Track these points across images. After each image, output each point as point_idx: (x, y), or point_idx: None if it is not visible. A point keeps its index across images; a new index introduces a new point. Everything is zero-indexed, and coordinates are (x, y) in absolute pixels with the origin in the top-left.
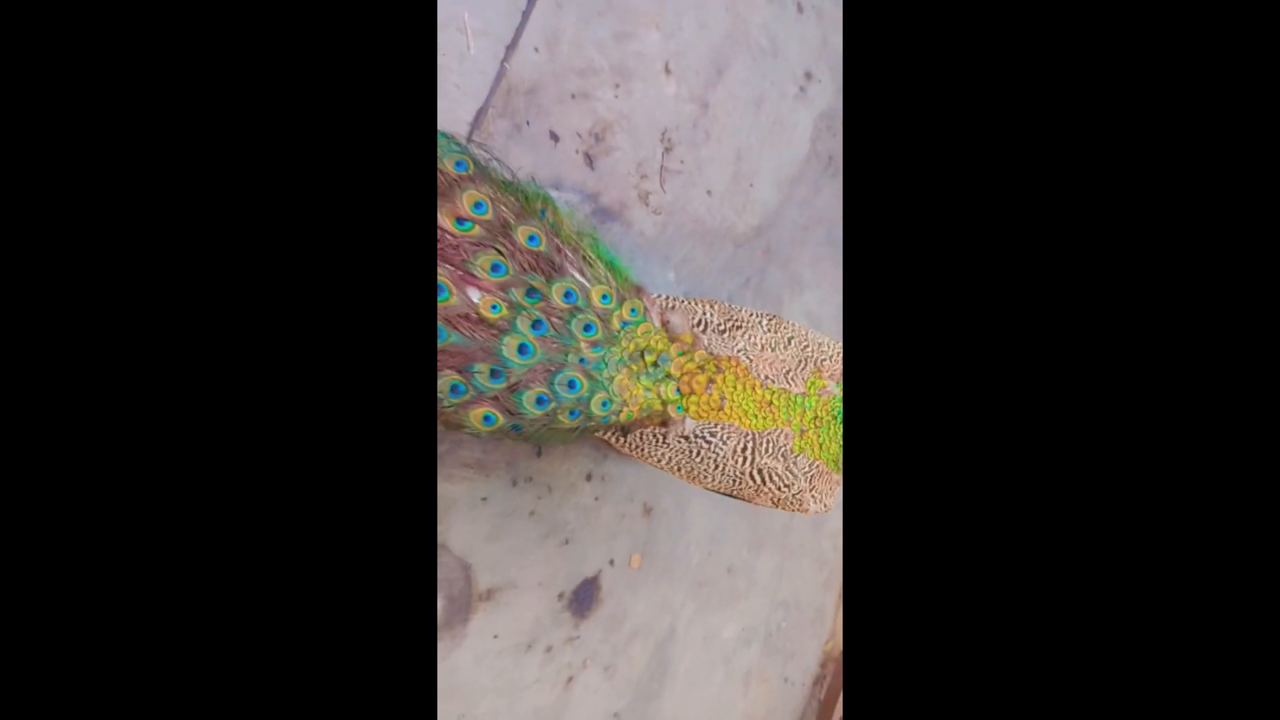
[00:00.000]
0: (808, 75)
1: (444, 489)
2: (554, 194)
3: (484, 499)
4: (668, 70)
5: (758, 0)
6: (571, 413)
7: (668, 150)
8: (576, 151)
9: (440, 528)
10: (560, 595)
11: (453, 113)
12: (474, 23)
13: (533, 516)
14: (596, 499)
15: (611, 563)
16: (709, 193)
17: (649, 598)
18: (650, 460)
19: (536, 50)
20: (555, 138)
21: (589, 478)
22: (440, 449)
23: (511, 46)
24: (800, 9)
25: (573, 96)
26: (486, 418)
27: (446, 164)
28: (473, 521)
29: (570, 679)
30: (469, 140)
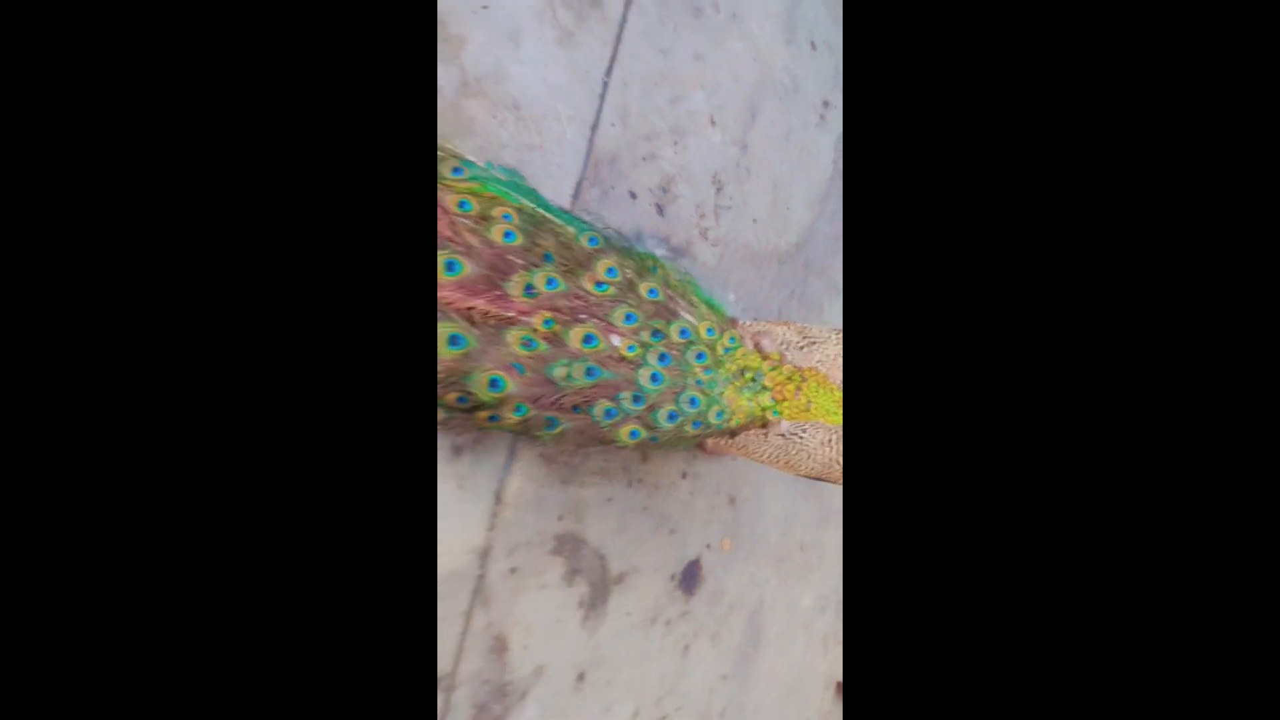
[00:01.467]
0: (825, 104)
1: (579, 494)
2: (647, 245)
3: (609, 499)
4: (712, 122)
5: (778, 46)
6: (694, 423)
7: (719, 190)
8: (650, 204)
9: (578, 526)
10: (672, 576)
11: (558, 188)
12: (566, 111)
13: (645, 511)
14: (691, 493)
15: (708, 546)
16: (754, 221)
17: (740, 575)
18: (755, 455)
19: (613, 125)
20: (633, 195)
21: (684, 475)
22: (573, 461)
23: (595, 125)
24: (814, 46)
25: (643, 159)
26: (632, 433)
27: (582, 241)
28: (603, 518)
29: (686, 648)
30: (571, 208)
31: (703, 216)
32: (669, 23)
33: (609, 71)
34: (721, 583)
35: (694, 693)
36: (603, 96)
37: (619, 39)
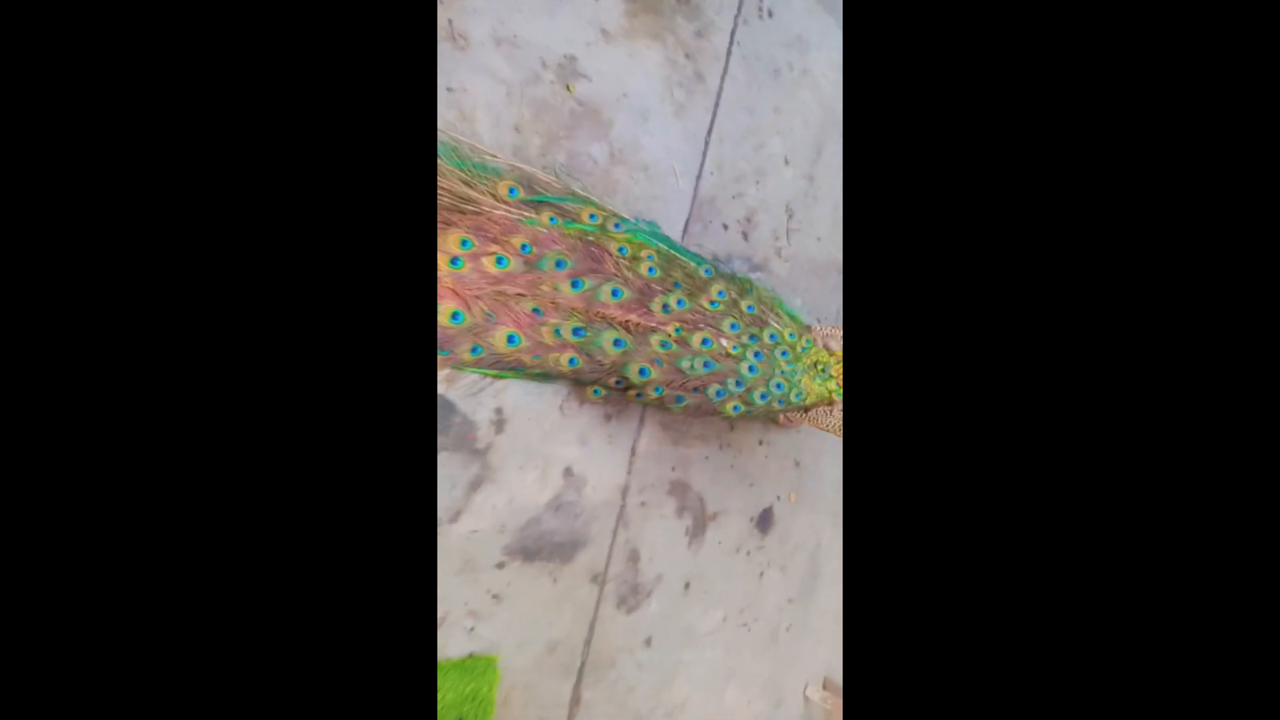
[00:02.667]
0: None
1: (686, 452)
2: (735, 265)
3: (707, 457)
4: (786, 161)
5: (838, 87)
6: (779, 401)
7: (790, 216)
8: (738, 233)
9: (685, 475)
10: (751, 519)
11: (674, 226)
12: (680, 167)
13: (732, 468)
14: (766, 457)
15: (778, 498)
16: (819, 239)
17: (803, 522)
18: (821, 425)
19: (711, 174)
20: (725, 227)
21: (761, 443)
22: (683, 428)
23: (699, 175)
24: None
25: (733, 197)
26: (735, 408)
27: (700, 272)
28: (702, 471)
29: (761, 574)
30: (683, 241)
31: (777, 239)
32: (754, 85)
33: (710, 132)
34: (788, 527)
35: (766, 610)
36: (705, 152)
37: (717, 105)
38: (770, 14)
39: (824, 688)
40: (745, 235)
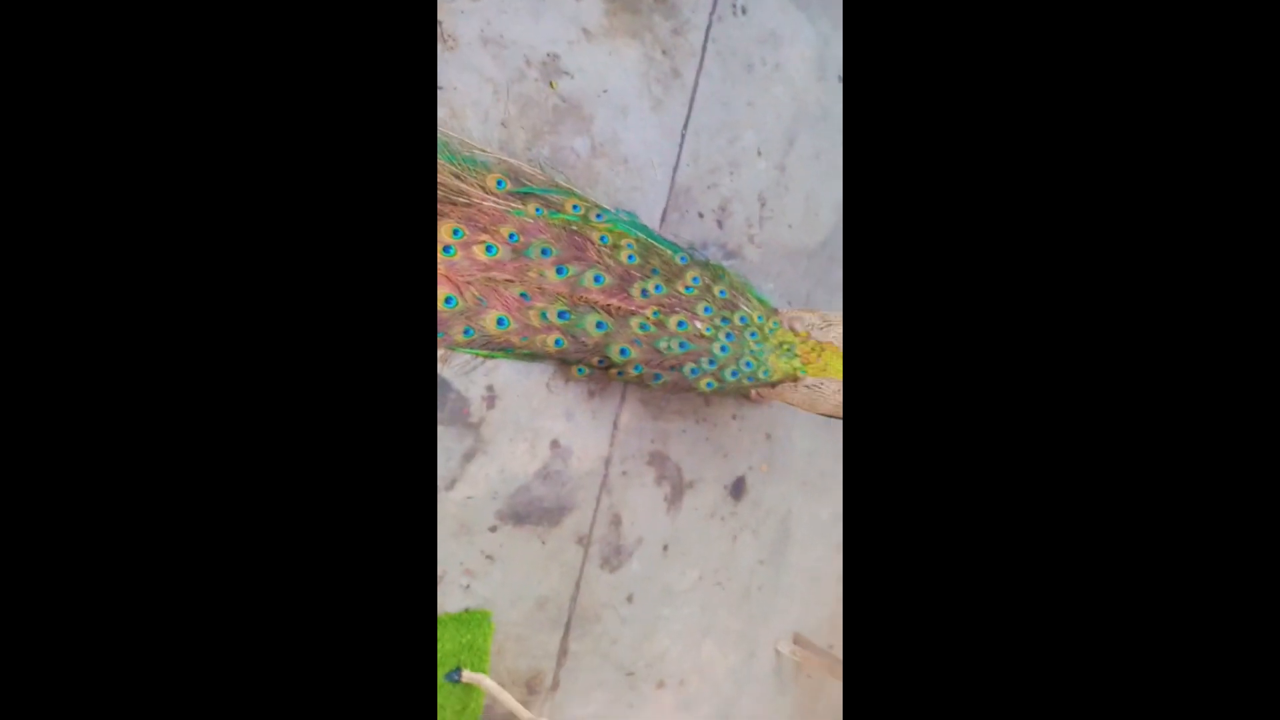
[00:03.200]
0: None
1: (664, 426)
2: (710, 252)
3: (683, 430)
4: (759, 153)
5: (811, 83)
6: (749, 378)
7: (763, 205)
8: (713, 221)
9: (663, 447)
10: (725, 486)
11: (652, 215)
12: (657, 160)
13: (707, 440)
14: (739, 430)
15: (750, 468)
16: (790, 226)
17: (774, 491)
18: (788, 400)
19: (688, 165)
20: (701, 215)
21: (734, 417)
22: (661, 403)
23: (676, 167)
24: (840, 80)
25: (708, 187)
26: (708, 384)
27: (676, 259)
28: (680, 443)
29: (734, 537)
30: (661, 230)
31: (750, 226)
32: (728, 80)
33: (685, 125)
34: (760, 494)
35: (740, 570)
36: (681, 145)
37: (693, 99)
38: (744, 11)
39: (794, 642)
40: (720, 223)
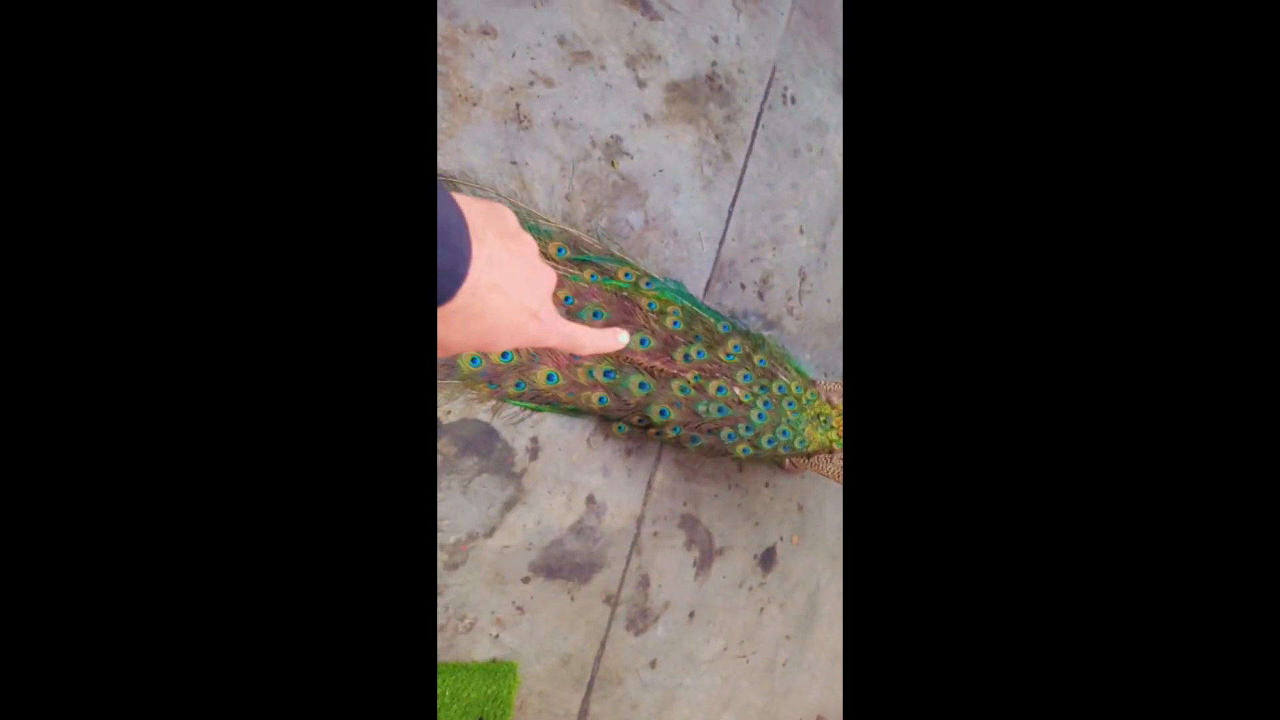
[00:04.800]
0: None
1: (697, 488)
2: (751, 322)
3: (716, 495)
4: (801, 231)
5: None
6: (784, 446)
7: (803, 279)
8: (754, 292)
9: (695, 510)
10: (755, 556)
11: (697, 284)
12: (705, 234)
13: (739, 507)
14: (771, 499)
15: (781, 539)
16: (828, 300)
17: (804, 563)
18: (822, 471)
19: (733, 240)
20: (743, 286)
21: (766, 485)
22: (695, 466)
23: (722, 241)
24: None
25: (751, 260)
26: (744, 450)
27: (719, 327)
28: (712, 508)
29: (761, 609)
30: (704, 298)
31: (790, 299)
32: (775, 164)
33: (733, 203)
34: (789, 566)
35: (765, 644)
36: (727, 221)
37: (741, 180)
38: (794, 100)
39: None
40: (761, 295)
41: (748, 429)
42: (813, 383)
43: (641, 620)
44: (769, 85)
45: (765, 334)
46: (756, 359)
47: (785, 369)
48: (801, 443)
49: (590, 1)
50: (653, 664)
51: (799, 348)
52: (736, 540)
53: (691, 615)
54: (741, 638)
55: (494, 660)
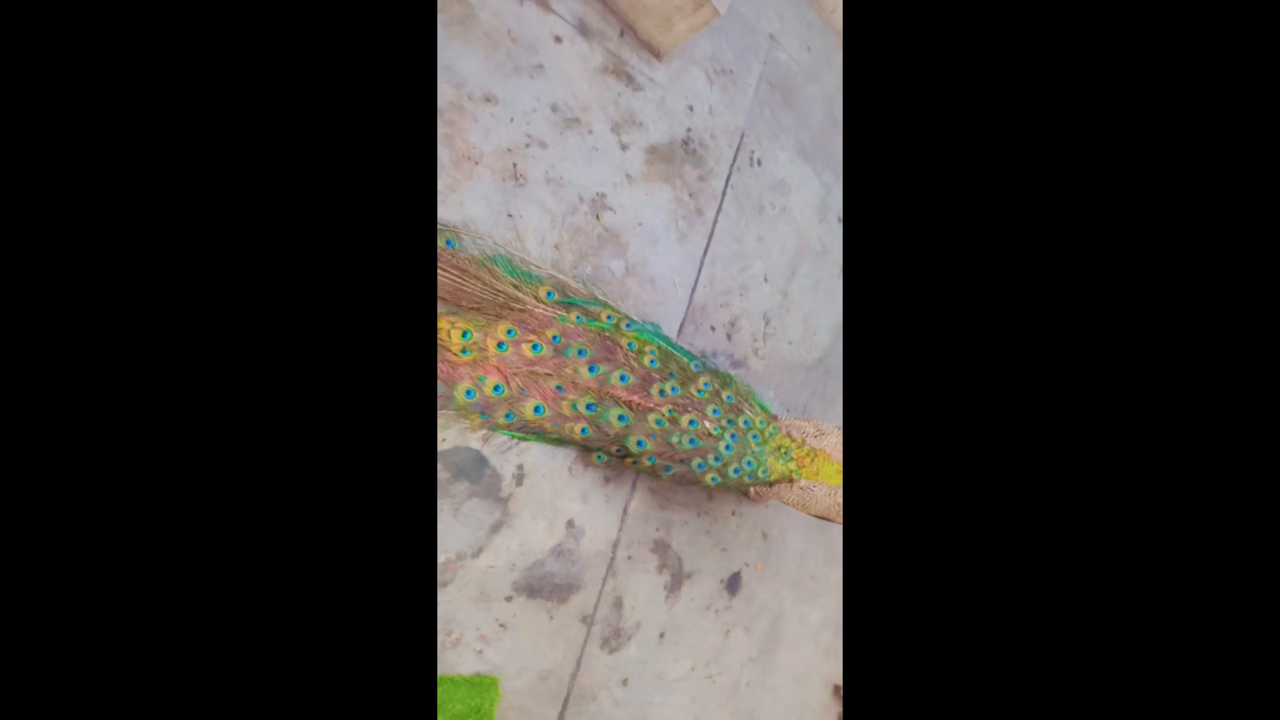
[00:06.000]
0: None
1: (669, 516)
2: (719, 361)
3: (686, 522)
4: (765, 279)
5: (813, 223)
6: (749, 476)
7: (767, 323)
8: (723, 334)
9: (667, 536)
10: (721, 580)
11: (671, 326)
12: (680, 280)
13: (708, 534)
14: (738, 526)
15: (746, 565)
16: (790, 343)
17: (767, 589)
18: (782, 499)
19: (704, 287)
20: (713, 328)
21: (733, 513)
22: (668, 494)
23: (694, 287)
24: (839, 220)
25: (720, 305)
26: (712, 479)
27: (691, 366)
28: (682, 534)
29: (727, 632)
30: (678, 339)
31: (755, 340)
32: (742, 219)
33: (705, 254)
34: (754, 591)
35: (730, 665)
36: (699, 270)
37: (712, 234)
38: (759, 162)
39: None
40: (729, 336)
41: (716, 459)
42: (775, 418)
43: (615, 639)
44: (738, 149)
45: (732, 373)
46: (725, 395)
47: (750, 405)
48: (764, 472)
49: (581, 73)
50: (625, 682)
51: (763, 385)
52: (705, 565)
53: (662, 636)
54: (708, 659)
55: (478, 674)
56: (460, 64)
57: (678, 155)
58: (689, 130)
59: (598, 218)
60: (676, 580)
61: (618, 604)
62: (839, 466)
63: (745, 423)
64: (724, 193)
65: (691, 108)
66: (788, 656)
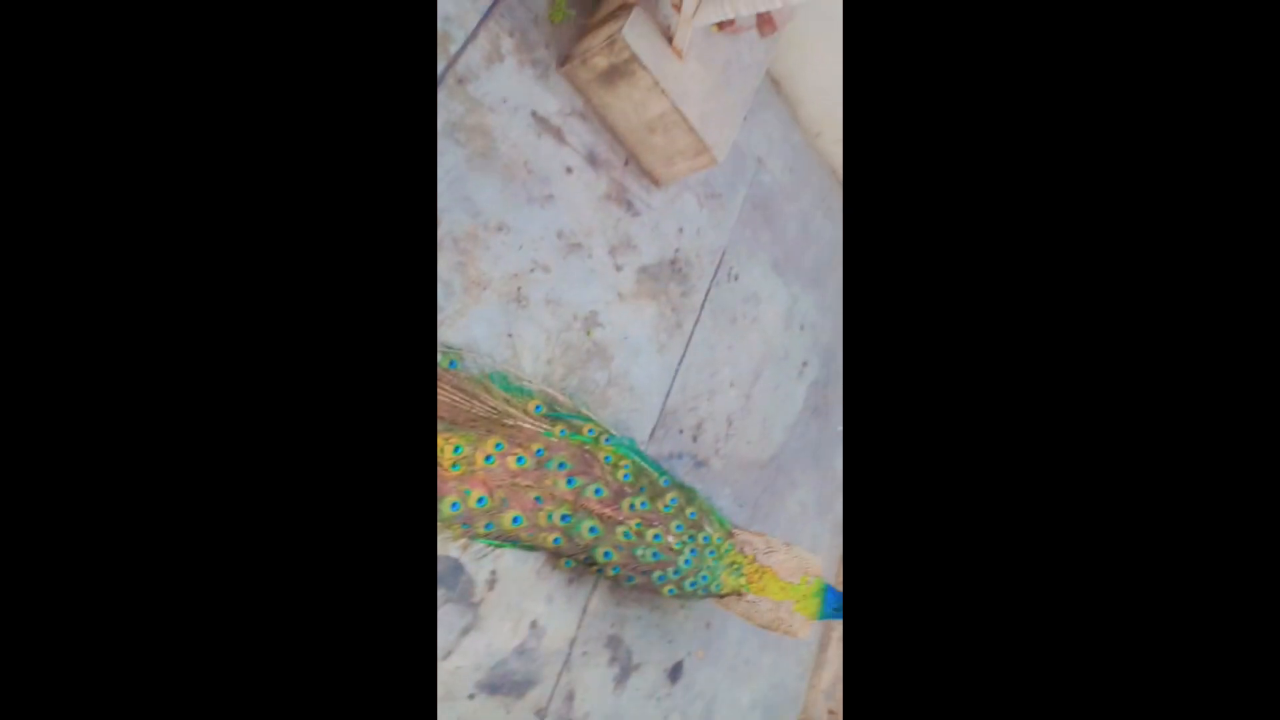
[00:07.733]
0: (804, 364)
1: (624, 612)
2: (684, 461)
3: (639, 618)
4: (731, 384)
5: (779, 331)
6: (703, 590)
7: (729, 425)
8: (690, 436)
9: (620, 631)
10: (665, 669)
11: (643, 430)
12: (658, 390)
13: (657, 627)
14: (685, 618)
15: (689, 653)
16: (748, 442)
17: (705, 675)
18: (731, 609)
19: (677, 393)
20: (680, 431)
21: (681, 607)
22: (627, 593)
23: (668, 394)
24: (802, 328)
25: (689, 410)
26: (670, 590)
27: (660, 481)
28: (634, 628)
29: (666, 717)
30: (647, 444)
31: (718, 441)
32: (716, 329)
33: (680, 362)
34: (693, 678)
35: None
36: (674, 378)
37: (688, 344)
38: (736, 277)
39: None
40: (695, 438)
41: (675, 573)
42: (730, 534)
43: None
44: (719, 266)
45: (695, 472)
46: (688, 511)
47: (710, 521)
48: (717, 587)
49: (586, 200)
50: None
51: (721, 484)
52: (652, 656)
53: None
54: None
55: None
56: (479, 195)
57: (665, 274)
58: (677, 250)
59: (589, 333)
60: (625, 672)
61: (569, 697)
62: (784, 584)
63: (705, 539)
64: (703, 306)
65: (681, 229)
66: None
